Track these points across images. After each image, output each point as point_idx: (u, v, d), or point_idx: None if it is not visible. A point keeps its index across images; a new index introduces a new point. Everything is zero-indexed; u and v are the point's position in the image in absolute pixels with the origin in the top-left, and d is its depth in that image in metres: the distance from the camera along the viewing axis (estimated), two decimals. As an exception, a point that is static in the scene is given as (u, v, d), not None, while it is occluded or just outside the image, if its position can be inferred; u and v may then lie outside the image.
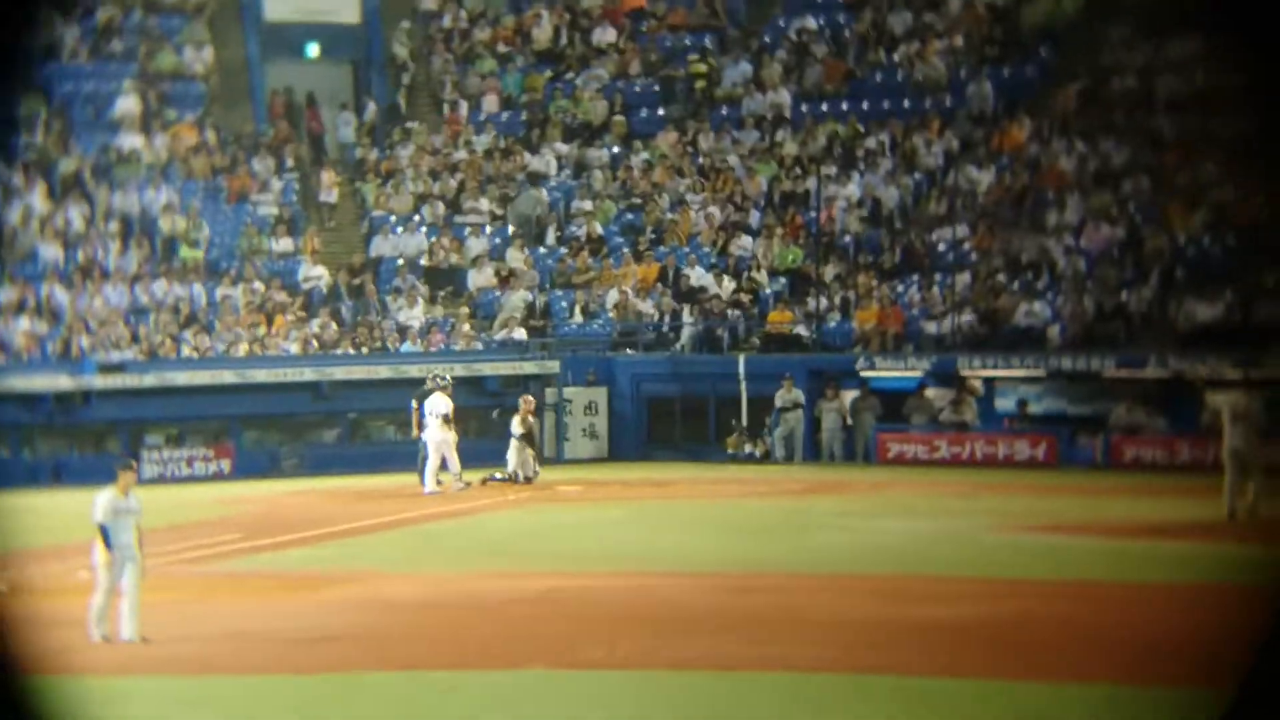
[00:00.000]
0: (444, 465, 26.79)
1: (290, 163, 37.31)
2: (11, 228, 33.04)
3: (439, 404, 26.76)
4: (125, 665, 13.04)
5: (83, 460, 28.43)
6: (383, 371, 31.80)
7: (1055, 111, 35.22)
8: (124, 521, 13.75)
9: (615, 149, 38.14)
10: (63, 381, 29.78)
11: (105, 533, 13.71)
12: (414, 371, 31.44)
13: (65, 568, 16.64)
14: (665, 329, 34.08)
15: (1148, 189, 32.77)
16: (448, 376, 27.83)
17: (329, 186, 36.42)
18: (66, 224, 33.60)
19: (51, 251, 33.02)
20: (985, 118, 36.21)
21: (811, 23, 39.23)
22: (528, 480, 27.41)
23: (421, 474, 26.98)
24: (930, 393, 31.35)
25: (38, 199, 33.57)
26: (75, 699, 12.01)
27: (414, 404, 27.67)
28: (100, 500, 13.82)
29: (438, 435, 26.60)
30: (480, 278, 35.23)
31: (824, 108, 37.73)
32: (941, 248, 34.09)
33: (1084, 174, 33.89)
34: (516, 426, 27.64)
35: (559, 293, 35.21)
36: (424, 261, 35.50)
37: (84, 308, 31.99)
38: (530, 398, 28.68)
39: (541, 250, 36.17)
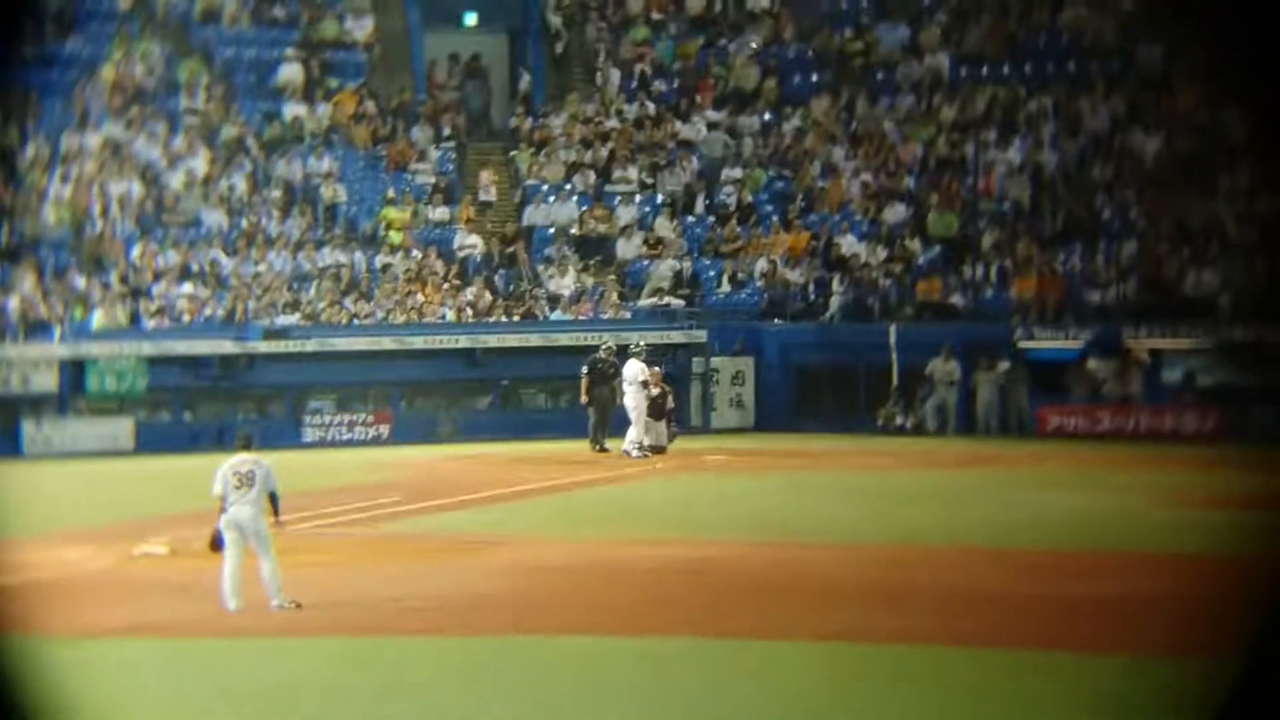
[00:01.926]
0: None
1: (448, 131, 37.68)
2: (174, 192, 33.90)
3: (634, 371, 26.89)
4: (279, 628, 13.30)
5: (246, 423, 29.11)
6: (534, 340, 32.07)
7: (1226, 73, 33.99)
8: (242, 494, 13.62)
9: (767, 116, 37.78)
10: (227, 346, 30.53)
11: (224, 506, 13.69)
12: (564, 340, 31.67)
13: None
14: (814, 298, 33.73)
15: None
16: (643, 343, 28.24)
17: (486, 185, 36.50)
18: (230, 190, 34.37)
19: (215, 217, 33.80)
20: (1153, 80, 35.09)
21: (972, -15, 38.36)
22: (658, 450, 27.31)
23: (599, 439, 27.41)
24: (1092, 364, 30.57)
25: (200, 164, 34.37)
26: (222, 661, 12.29)
27: (584, 371, 28.10)
28: (217, 474, 13.76)
29: (631, 402, 26.82)
30: (629, 247, 35.26)
31: (984, 71, 36.91)
32: (1106, 214, 33.19)
33: (1256, 138, 32.67)
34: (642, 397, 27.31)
35: (707, 261, 35.07)
36: (575, 230, 35.64)
37: (248, 273, 32.72)
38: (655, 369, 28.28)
39: (690, 219, 36.06)
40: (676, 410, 28.93)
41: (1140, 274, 31.49)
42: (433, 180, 36.31)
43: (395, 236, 34.43)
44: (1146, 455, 26.55)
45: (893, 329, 31.77)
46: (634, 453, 26.85)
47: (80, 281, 31.32)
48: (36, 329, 29.85)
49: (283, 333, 31.14)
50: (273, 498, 13.81)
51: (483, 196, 36.38)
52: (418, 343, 31.67)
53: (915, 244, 33.86)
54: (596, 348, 28.98)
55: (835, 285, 33.50)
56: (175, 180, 34.04)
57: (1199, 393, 29.62)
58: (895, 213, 34.64)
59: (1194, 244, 31.54)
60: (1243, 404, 28.98)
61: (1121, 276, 31.33)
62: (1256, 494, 21.50)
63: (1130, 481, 23.11)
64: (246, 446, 14.09)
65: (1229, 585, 14.98)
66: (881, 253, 33.79)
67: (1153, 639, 12.69)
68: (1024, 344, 30.82)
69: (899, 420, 31.13)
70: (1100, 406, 30.03)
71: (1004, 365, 30.79)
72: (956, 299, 32.61)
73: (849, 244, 34.20)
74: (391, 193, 35.29)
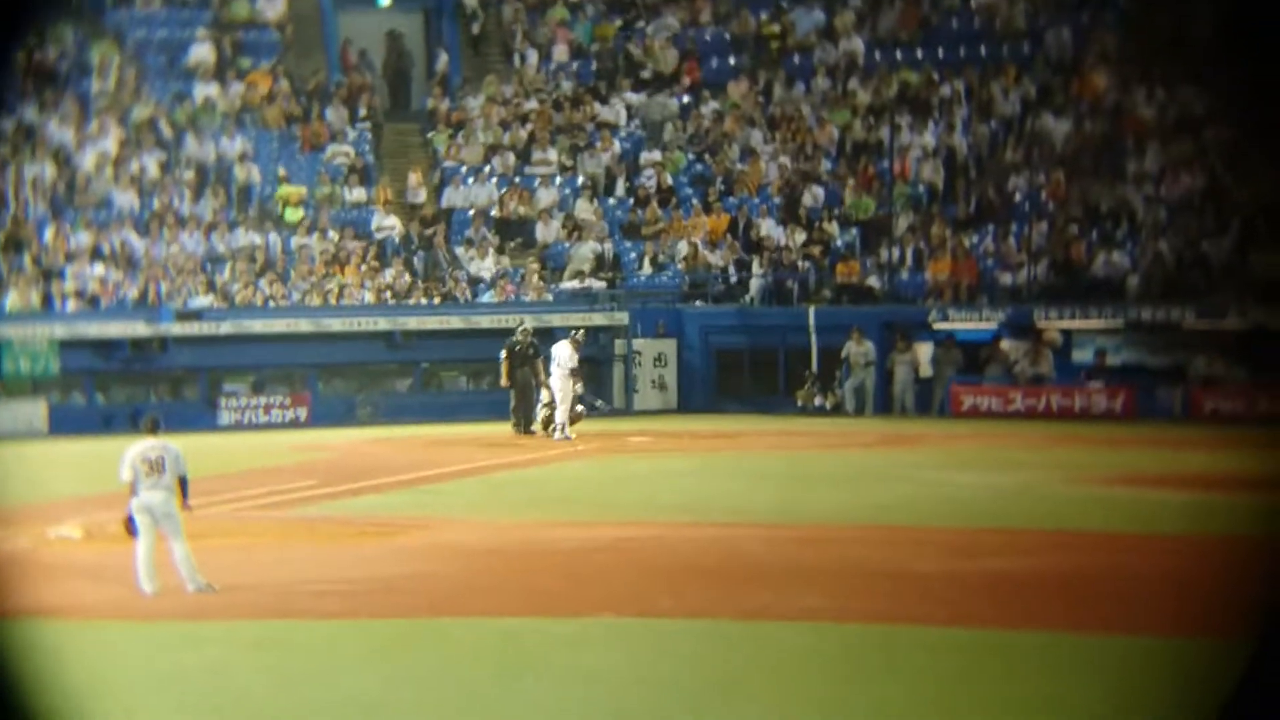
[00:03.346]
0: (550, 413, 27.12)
1: (363, 112, 37.40)
2: (85, 173, 33.41)
3: (564, 354, 26.84)
4: (195, 611, 13.21)
5: (160, 406, 28.79)
6: (454, 322, 31.98)
7: (1135, 58, 34.56)
8: (152, 479, 13.54)
9: (685, 99, 37.88)
10: (139, 328, 30.16)
11: (134, 491, 13.62)
12: (485, 322, 31.63)
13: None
14: (734, 280, 33.92)
15: (1229, 137, 32.12)
16: (582, 329, 28.25)
17: (415, 187, 36.16)
18: (141, 171, 33.91)
19: (126, 198, 33.36)
20: (1064, 65, 35.60)
21: (886, -31, 38.68)
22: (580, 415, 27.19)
23: (521, 421, 27.51)
24: (1005, 345, 31.02)
25: (112, 145, 33.88)
26: (139, 645, 12.20)
27: (503, 354, 28.07)
28: (125, 459, 13.66)
29: (559, 384, 26.75)
30: (550, 229, 35.22)
31: (898, 55, 37.24)
32: (1018, 197, 33.64)
33: (1164, 122, 33.28)
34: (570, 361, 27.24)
35: (628, 244, 35.13)
36: (494, 213, 35.54)
37: (160, 255, 32.32)
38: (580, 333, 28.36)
39: (611, 201, 36.08)
40: (598, 393, 29.01)
41: (1051, 256, 31.97)
42: (348, 161, 36.04)
43: (292, 214, 34.15)
44: (1058, 434, 26.98)
45: (811, 311, 32.03)
46: (558, 435, 26.87)
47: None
48: (-53, 312, 29.35)
49: (196, 315, 30.82)
50: (182, 482, 13.70)
51: (410, 199, 36.03)
52: (336, 325, 31.48)
53: (833, 227, 34.13)
54: (514, 330, 28.94)
55: (755, 268, 33.70)
56: (87, 162, 33.54)
57: (1109, 372, 30.16)
58: (813, 196, 34.89)
59: (1103, 226, 32.07)
60: (1151, 383, 29.56)
61: (1033, 258, 31.79)
62: (1165, 472, 21.96)
63: (1042, 460, 23.48)
64: (154, 430, 13.95)
65: (1139, 561, 15.30)
66: (800, 236, 34.03)
67: (1064, 615, 12.93)
68: (939, 325, 31.21)
69: (818, 401, 31.42)
70: (1013, 386, 30.48)
71: (928, 347, 31.17)
72: (874, 281, 32.93)
73: (768, 227, 34.41)
74: (283, 170, 34.90)
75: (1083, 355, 30.53)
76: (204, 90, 36.01)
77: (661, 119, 36.89)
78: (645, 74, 38.33)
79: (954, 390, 30.80)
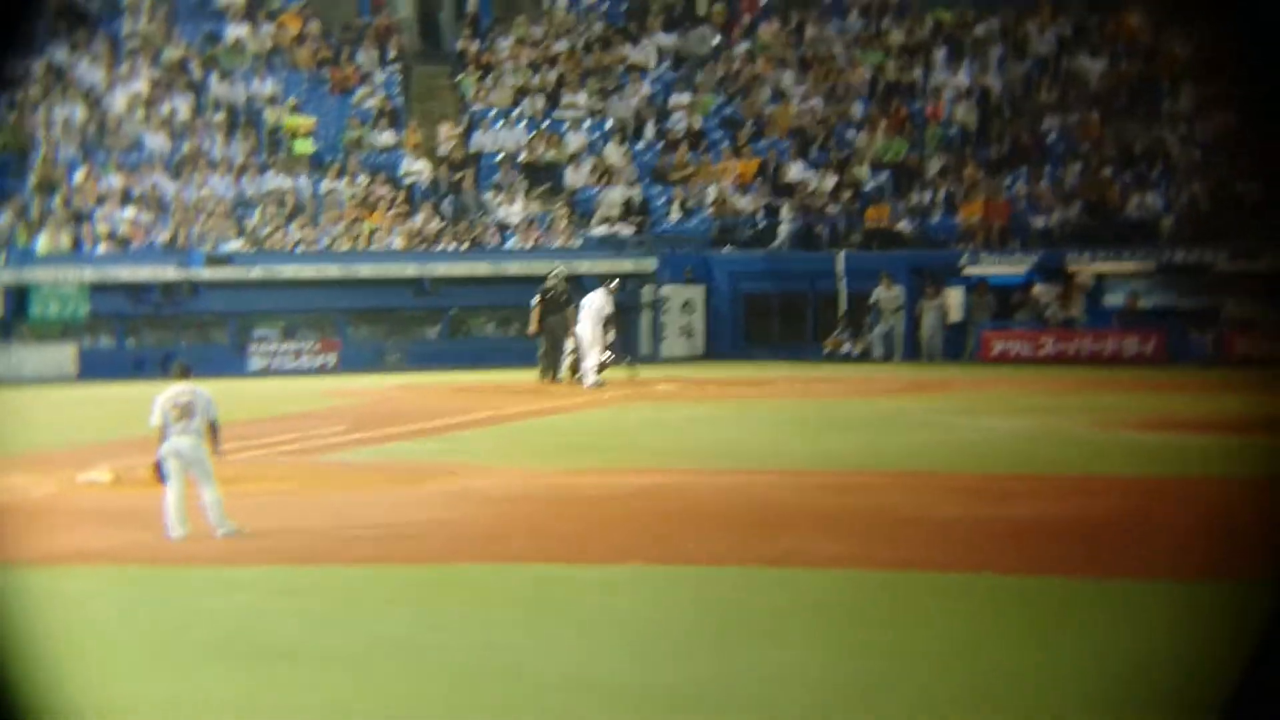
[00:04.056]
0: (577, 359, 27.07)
1: (393, 54, 37.28)
2: (116, 115, 33.43)
3: (598, 302, 26.60)
4: (224, 556, 13.31)
5: (190, 351, 28.94)
6: (482, 268, 31.98)
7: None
8: (182, 424, 13.58)
9: (716, 40, 37.59)
10: (169, 272, 30.27)
11: (164, 436, 13.68)
12: (513, 268, 31.61)
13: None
14: (763, 225, 33.77)
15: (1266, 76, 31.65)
16: (615, 279, 28.07)
17: (445, 133, 36.03)
18: (172, 113, 33.91)
19: (157, 140, 33.37)
20: (1099, 3, 35.14)
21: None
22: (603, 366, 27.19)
23: (550, 369, 27.39)
24: (1037, 289, 30.84)
25: (142, 86, 33.87)
26: (168, 590, 12.31)
27: (535, 300, 27.97)
28: (155, 404, 13.69)
29: (589, 332, 26.56)
30: (579, 174, 35.09)
31: (931, -6, 36.85)
32: (1051, 138, 33.33)
33: (1200, 61, 32.84)
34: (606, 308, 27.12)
35: (657, 189, 34.99)
36: (523, 157, 35.42)
37: (190, 198, 32.38)
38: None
39: (639, 145, 35.90)
40: (625, 343, 28.98)
41: (1084, 198, 31.70)
42: (378, 104, 35.96)
43: (301, 145, 34.11)
44: (1089, 378, 26.84)
45: (840, 256, 31.88)
46: (588, 381, 26.82)
47: (24, 207, 30.92)
48: (-22, 255, 29.52)
49: (226, 259, 30.90)
50: (213, 427, 13.76)
51: (439, 143, 35.93)
52: (364, 271, 31.53)
53: (863, 170, 33.91)
54: (545, 276, 28.83)
55: (784, 212, 33.53)
56: (118, 104, 33.56)
57: (1140, 315, 29.96)
58: (844, 138, 34.66)
59: (1137, 167, 31.76)
60: (1183, 327, 29.35)
61: (1065, 201, 31.53)
62: (1197, 416, 21.85)
63: (1071, 404, 23.38)
64: (184, 375, 13.99)
65: (1171, 506, 15.25)
66: (830, 179, 33.83)
67: (1089, 560, 12.90)
68: (971, 270, 31.04)
69: (846, 348, 31.34)
70: (1044, 331, 30.32)
71: (957, 291, 31.02)
72: (904, 225, 32.73)
73: (798, 170, 34.20)
74: (294, 99, 34.79)
75: (1114, 299, 30.33)
76: (235, 31, 35.93)
77: (701, 54, 36.58)
78: (676, 14, 38.05)
79: (984, 336, 30.67)
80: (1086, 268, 30.32)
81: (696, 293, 32.70)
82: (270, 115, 34.61)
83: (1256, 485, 16.20)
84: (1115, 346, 29.62)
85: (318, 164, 34.31)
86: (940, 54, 35.04)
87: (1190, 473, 17.27)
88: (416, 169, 34.83)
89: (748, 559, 12.98)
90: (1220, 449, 18.88)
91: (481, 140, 35.87)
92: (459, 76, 37.54)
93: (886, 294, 30.78)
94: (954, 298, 31.22)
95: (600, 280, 28.23)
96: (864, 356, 31.00)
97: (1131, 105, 33.31)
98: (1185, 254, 29.29)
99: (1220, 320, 29.03)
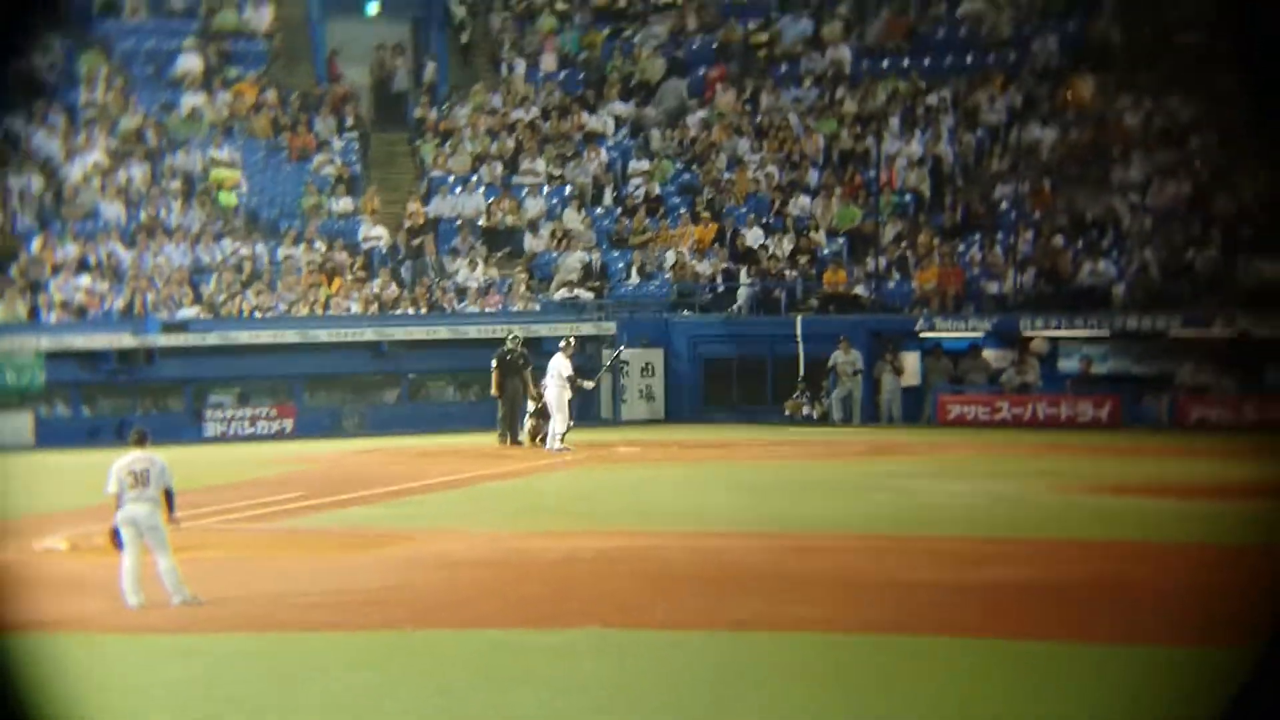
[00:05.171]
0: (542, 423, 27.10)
1: (350, 121, 37.38)
2: (72, 185, 33.32)
3: (560, 365, 26.83)
4: (181, 624, 13.15)
5: (146, 418, 28.70)
6: (441, 332, 31.94)
7: (1121, 67, 34.67)
8: (138, 492, 13.52)
9: (662, 115, 37.90)
10: (125, 340, 30.07)
11: (119, 503, 13.60)
12: (472, 332, 31.61)
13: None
14: (722, 290, 33.93)
15: (1215, 145, 32.24)
16: (570, 338, 28.17)
17: (402, 198, 36.04)
18: (128, 181, 33.83)
19: (113, 209, 33.27)
20: (1049, 73, 35.71)
21: (873, -22, 38.79)
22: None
23: (508, 432, 27.63)
24: (991, 353, 31.07)
25: (99, 156, 33.80)
26: (125, 657, 12.15)
27: (493, 364, 28.04)
28: (111, 471, 13.63)
29: (555, 396, 26.70)
30: (538, 239, 35.20)
31: (885, 64, 37.33)
32: (1004, 206, 33.72)
33: (1150, 130, 33.40)
34: (567, 370, 27.26)
35: (616, 253, 35.14)
36: (482, 222, 35.52)
37: (147, 266, 32.24)
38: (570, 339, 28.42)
39: (598, 211, 36.08)
40: (584, 405, 28.98)
41: (1037, 264, 32.03)
42: (335, 171, 36.01)
43: (226, 198, 34.07)
44: (1044, 442, 27.00)
45: (799, 320, 32.05)
46: (555, 446, 26.73)
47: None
48: (-65, 324, 29.24)
49: (182, 326, 30.73)
50: (168, 495, 13.66)
51: (396, 209, 35.94)
52: (322, 335, 31.42)
53: (820, 236, 34.17)
54: (504, 340, 28.89)
55: (742, 277, 33.71)
56: (75, 173, 33.46)
57: (1095, 381, 30.21)
58: (800, 205, 34.93)
59: (1089, 235, 32.15)
60: (1138, 392, 29.60)
61: (1019, 267, 31.85)
62: (1154, 481, 22.00)
63: (1028, 468, 23.50)
64: (140, 443, 13.90)
65: (1137, 570, 15.31)
66: (787, 245, 34.07)
67: (1049, 623, 12.92)
68: (926, 334, 31.24)
69: (806, 411, 31.43)
70: (999, 395, 30.52)
71: (914, 356, 31.20)
72: (861, 290, 32.96)
73: (755, 236, 34.43)
74: (218, 154, 34.71)
75: (1069, 364, 30.58)
76: (191, 100, 35.96)
77: (676, 104, 36.85)
78: (632, 84, 38.39)
79: (941, 399, 30.84)
80: (1040, 333, 30.60)
81: (656, 356, 32.80)
82: (206, 173, 34.41)
83: (1219, 550, 16.33)
84: (1070, 411, 29.85)
85: (275, 230, 34.29)
86: (893, 123, 35.46)
87: (1152, 537, 17.36)
88: (375, 234, 34.85)
89: (711, 623, 12.93)
90: (1180, 513, 19.01)
91: (440, 206, 35.96)
92: (417, 143, 37.68)
93: (844, 358, 30.97)
94: (910, 362, 31.42)
95: (555, 343, 28.29)
96: (823, 420, 31.11)
97: (1082, 174, 33.78)
98: (1138, 320, 29.63)
99: (1174, 386, 29.32)
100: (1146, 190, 32.34)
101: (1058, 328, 30.42)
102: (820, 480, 22.80)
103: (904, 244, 33.49)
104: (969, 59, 36.73)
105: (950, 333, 31.25)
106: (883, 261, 33.21)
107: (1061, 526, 18.02)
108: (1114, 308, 30.37)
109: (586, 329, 32.29)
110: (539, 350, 30.64)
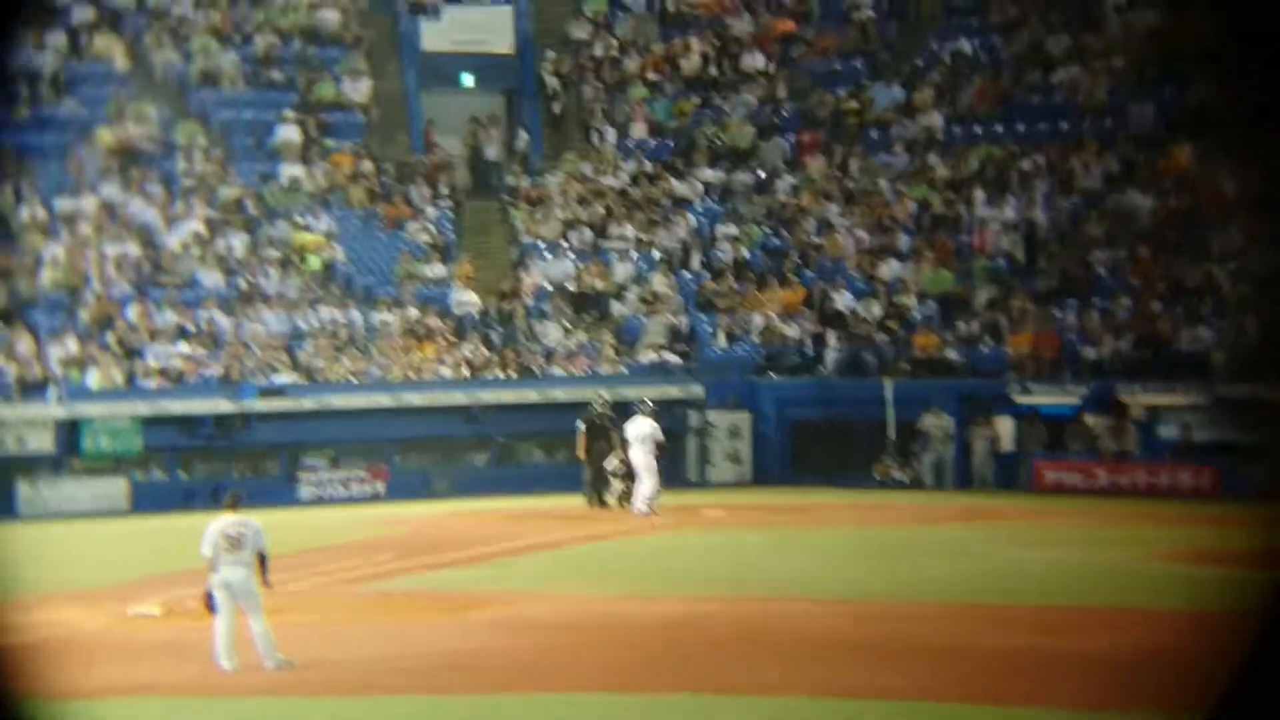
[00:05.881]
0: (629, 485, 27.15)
1: (445, 190, 37.89)
2: (170, 252, 34.01)
3: (644, 427, 26.93)
4: (274, 688, 13.24)
5: (241, 481, 29.03)
6: (530, 395, 32.11)
7: (1219, 133, 34.23)
8: (233, 556, 13.67)
9: (762, 174, 38.03)
10: (222, 405, 30.53)
11: (214, 567, 13.74)
12: (560, 395, 31.73)
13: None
14: (810, 353, 33.80)
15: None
16: (649, 401, 28.23)
17: (494, 264, 36.17)
18: (227, 250, 34.48)
19: (211, 277, 33.89)
20: (1146, 140, 35.34)
21: (966, 45, 38.70)
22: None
23: (595, 494, 27.69)
24: (1089, 419, 30.60)
25: (197, 224, 34.51)
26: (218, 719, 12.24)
27: (580, 426, 28.15)
28: (206, 535, 13.79)
29: (642, 459, 26.78)
30: (625, 302, 35.36)
31: (977, 130, 37.17)
32: (1100, 271, 33.32)
33: (1248, 197, 32.85)
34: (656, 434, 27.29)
35: (703, 316, 35.18)
36: (571, 287, 35.76)
37: (244, 332, 32.77)
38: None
39: (686, 275, 36.19)
40: (671, 468, 28.95)
41: (1135, 330, 31.58)
42: (429, 238, 36.48)
43: (313, 261, 34.50)
44: (1142, 511, 26.51)
45: (888, 384, 31.82)
46: (644, 509, 26.71)
47: (75, 343, 31.35)
48: (32, 390, 29.86)
49: (278, 391, 31.16)
50: (262, 559, 13.80)
51: (489, 275, 36.24)
52: (414, 399, 31.71)
53: (910, 299, 33.98)
54: (591, 403, 28.98)
55: (831, 340, 33.57)
56: (172, 241, 34.16)
57: (1194, 449, 29.63)
58: (890, 269, 34.79)
59: (1188, 301, 31.66)
60: (1237, 461, 28.98)
61: (1116, 333, 31.41)
62: (1251, 551, 21.48)
63: (1126, 536, 23.07)
64: (234, 507, 14.08)
65: (1222, 642, 14.94)
66: (876, 309, 33.91)
67: (1146, 695, 12.64)
68: (1020, 399, 30.86)
69: (895, 475, 31.12)
70: (1096, 462, 30.04)
71: (1007, 421, 30.80)
72: (952, 354, 32.68)
73: (844, 300, 34.32)
74: (300, 219, 35.19)
75: (1167, 431, 30.04)
76: (289, 170, 36.64)
77: (779, 160, 37.14)
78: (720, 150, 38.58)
79: (1037, 465, 30.41)
80: (1138, 400, 30.12)
81: (743, 419, 32.70)
82: (297, 240, 34.83)
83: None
84: (1169, 480, 29.28)
85: (370, 297, 34.73)
86: (985, 188, 35.25)
87: (1239, 607, 16.92)
88: (467, 300, 35.20)
89: (798, 689, 12.81)
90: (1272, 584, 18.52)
91: (531, 271, 36.25)
92: (509, 210, 38.08)
93: (935, 422, 30.67)
94: (1005, 427, 31.03)
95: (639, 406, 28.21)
96: (913, 484, 30.79)
97: (1181, 239, 33.30)
98: (1238, 388, 29.05)
99: (1275, 455, 28.66)
100: (1245, 256, 31.81)
101: (1156, 394, 29.92)
102: (908, 546, 22.54)
103: (997, 308, 33.19)
104: (1064, 125, 36.46)
105: (1045, 398, 30.85)
106: (975, 325, 32.93)
107: (1155, 596, 17.66)
108: (1214, 375, 29.83)
109: (674, 391, 32.30)
110: (626, 413, 30.76)
